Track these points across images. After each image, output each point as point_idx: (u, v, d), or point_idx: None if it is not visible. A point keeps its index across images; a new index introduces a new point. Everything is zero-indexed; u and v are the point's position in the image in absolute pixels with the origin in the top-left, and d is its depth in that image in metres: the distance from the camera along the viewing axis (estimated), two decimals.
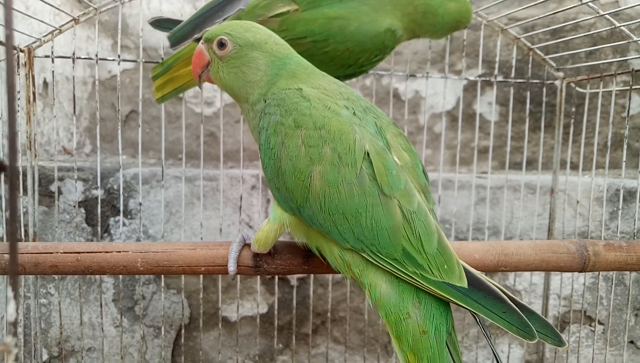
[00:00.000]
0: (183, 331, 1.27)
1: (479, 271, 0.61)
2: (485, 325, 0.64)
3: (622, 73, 0.95)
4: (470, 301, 0.58)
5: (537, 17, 1.06)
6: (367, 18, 0.81)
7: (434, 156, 1.50)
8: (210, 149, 1.59)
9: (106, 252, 0.66)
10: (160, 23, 0.96)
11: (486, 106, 1.46)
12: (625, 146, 0.97)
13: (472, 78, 1.08)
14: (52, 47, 0.99)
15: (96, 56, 0.99)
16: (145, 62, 1.09)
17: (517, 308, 0.58)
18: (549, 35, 1.34)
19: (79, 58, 1.09)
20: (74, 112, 1.07)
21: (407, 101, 1.51)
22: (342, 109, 0.64)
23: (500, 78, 1.10)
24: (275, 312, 1.29)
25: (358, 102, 0.67)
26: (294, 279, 1.29)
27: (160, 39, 1.61)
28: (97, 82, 1.06)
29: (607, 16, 0.86)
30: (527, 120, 1.13)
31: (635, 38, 0.88)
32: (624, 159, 0.97)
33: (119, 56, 1.02)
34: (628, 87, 0.94)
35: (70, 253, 0.66)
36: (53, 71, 1.02)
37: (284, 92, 0.65)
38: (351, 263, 0.62)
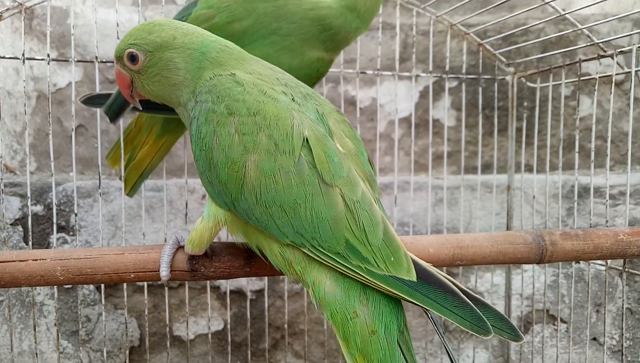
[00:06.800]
0: (132, 354, 1.18)
1: (428, 263, 0.56)
2: (438, 324, 0.59)
3: (570, 64, 0.95)
4: (420, 296, 0.53)
5: (489, 23, 1.05)
6: (295, 52, 0.79)
7: (393, 162, 1.48)
8: (175, 159, 1.52)
9: (20, 261, 0.59)
10: (92, 100, 0.90)
11: (442, 111, 1.45)
12: (577, 145, 0.96)
13: (423, 75, 1.06)
14: None
15: (23, 55, 0.92)
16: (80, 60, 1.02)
17: (470, 302, 0.54)
18: (500, 41, 1.35)
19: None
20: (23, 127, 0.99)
21: (362, 108, 1.49)
22: (279, 94, 0.59)
23: (452, 75, 1.08)
24: (229, 328, 1.22)
25: (297, 88, 0.63)
26: (249, 292, 1.23)
27: (109, 50, 1.55)
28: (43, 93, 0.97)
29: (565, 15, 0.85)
30: (480, 118, 1.12)
31: (584, 44, 0.88)
32: (577, 159, 0.96)
33: (48, 55, 0.95)
34: (576, 79, 0.94)
35: None
36: None
37: (215, 79, 0.60)
38: (292, 261, 0.57)
